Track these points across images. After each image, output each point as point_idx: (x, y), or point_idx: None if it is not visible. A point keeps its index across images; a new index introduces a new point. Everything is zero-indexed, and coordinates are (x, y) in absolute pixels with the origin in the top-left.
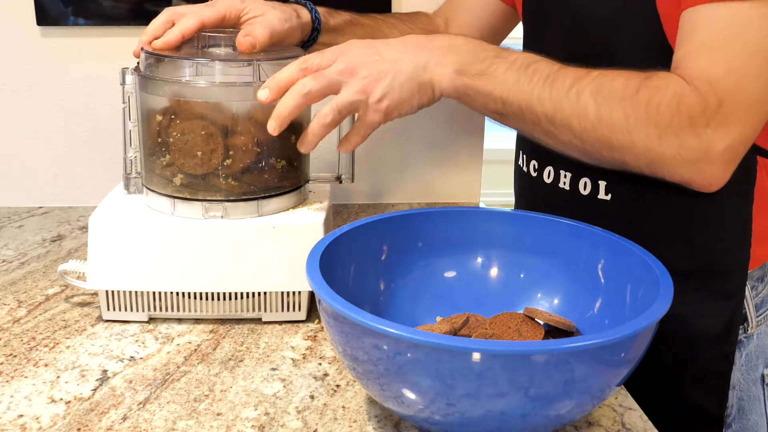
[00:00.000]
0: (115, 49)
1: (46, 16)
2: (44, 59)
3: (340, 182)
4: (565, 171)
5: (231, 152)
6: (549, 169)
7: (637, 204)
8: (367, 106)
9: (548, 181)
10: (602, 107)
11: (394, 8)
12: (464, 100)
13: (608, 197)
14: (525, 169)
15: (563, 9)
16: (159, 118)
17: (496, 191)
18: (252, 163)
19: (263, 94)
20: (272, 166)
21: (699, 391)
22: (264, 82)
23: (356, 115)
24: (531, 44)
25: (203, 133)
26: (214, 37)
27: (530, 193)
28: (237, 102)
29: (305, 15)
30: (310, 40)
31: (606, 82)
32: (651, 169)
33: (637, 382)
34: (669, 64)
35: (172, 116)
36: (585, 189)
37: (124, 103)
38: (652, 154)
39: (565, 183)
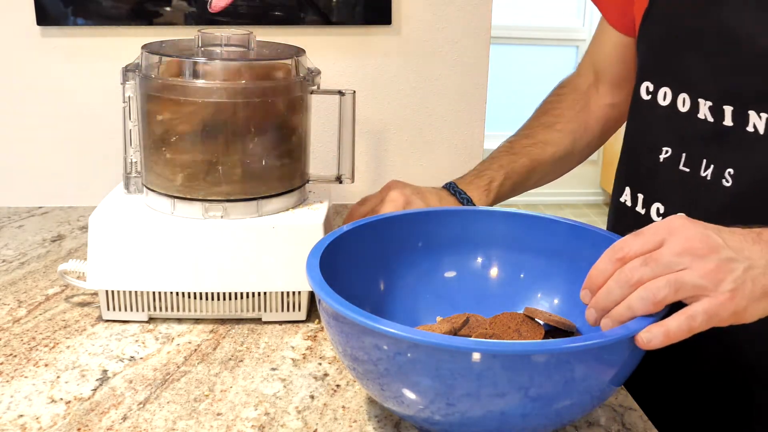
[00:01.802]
0: (115, 49)
1: (46, 16)
2: (44, 59)
3: (340, 182)
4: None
5: (231, 152)
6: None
7: None
8: (711, 298)
9: None
10: None
11: (394, 11)
12: None
13: None
14: (639, 209)
15: (718, 36)
16: (159, 117)
17: None
18: (252, 163)
19: (585, 296)
20: (272, 166)
21: None
22: None
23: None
24: (660, 72)
25: (203, 133)
26: (214, 37)
27: None
28: (237, 102)
29: None
30: None
31: None
32: None
33: (637, 382)
34: None
35: (173, 116)
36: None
37: (124, 103)
38: None
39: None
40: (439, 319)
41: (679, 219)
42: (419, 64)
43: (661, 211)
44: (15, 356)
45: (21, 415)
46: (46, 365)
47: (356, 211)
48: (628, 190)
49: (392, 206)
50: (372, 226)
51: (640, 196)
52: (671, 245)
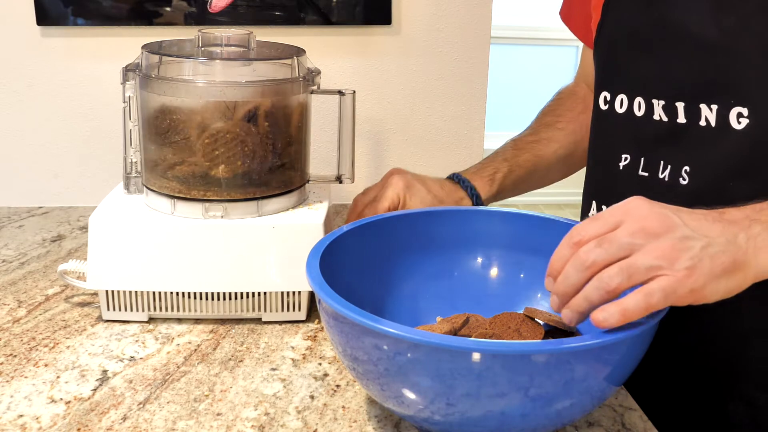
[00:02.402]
0: (115, 49)
1: (46, 16)
2: (44, 59)
3: (340, 182)
4: None
5: (231, 152)
6: None
7: None
8: (668, 276)
9: None
10: None
11: (394, 11)
12: None
13: None
14: None
15: (667, 34)
16: (159, 117)
17: None
18: (252, 163)
19: (549, 284)
20: (272, 166)
21: None
22: None
23: None
24: (616, 80)
25: (203, 133)
26: (214, 37)
27: None
28: (237, 102)
29: (466, 201)
30: None
31: None
32: None
33: (637, 382)
34: None
35: (173, 116)
36: None
37: (124, 102)
38: None
39: None
40: (439, 319)
41: (637, 200)
42: (419, 64)
43: None
44: (15, 356)
45: (21, 415)
46: (46, 365)
47: (359, 200)
48: (594, 204)
49: (393, 191)
50: (372, 226)
51: (604, 208)
52: (626, 226)
